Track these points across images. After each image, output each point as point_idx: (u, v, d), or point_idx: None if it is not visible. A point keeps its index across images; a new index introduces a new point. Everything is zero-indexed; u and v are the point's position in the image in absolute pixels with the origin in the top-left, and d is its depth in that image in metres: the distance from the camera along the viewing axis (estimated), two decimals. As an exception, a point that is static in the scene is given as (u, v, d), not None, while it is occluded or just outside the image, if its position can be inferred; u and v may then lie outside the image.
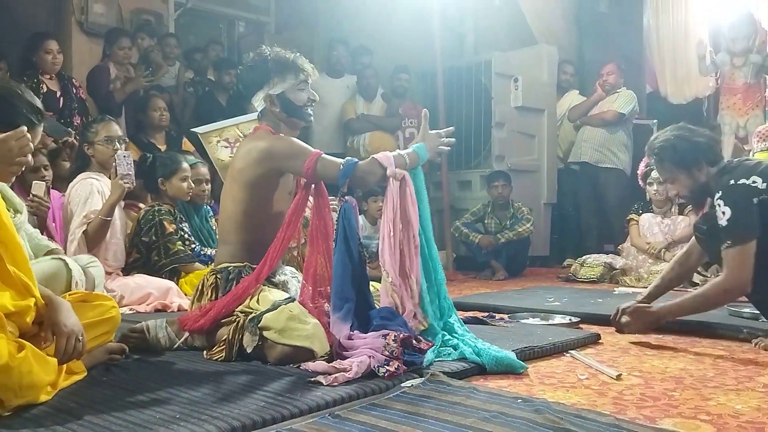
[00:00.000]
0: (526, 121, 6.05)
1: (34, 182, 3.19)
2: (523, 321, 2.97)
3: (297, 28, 6.72)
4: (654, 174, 4.37)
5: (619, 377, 1.98)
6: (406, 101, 6.01)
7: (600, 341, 2.56)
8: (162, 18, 6.26)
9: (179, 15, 6.46)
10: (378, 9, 6.00)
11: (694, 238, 2.67)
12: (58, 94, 4.61)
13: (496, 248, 5.23)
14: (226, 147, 2.81)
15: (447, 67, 5.88)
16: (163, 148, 4.67)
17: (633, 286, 4.42)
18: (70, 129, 4.27)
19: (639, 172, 4.67)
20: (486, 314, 3.07)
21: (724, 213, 2.33)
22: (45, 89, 4.51)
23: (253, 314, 2.09)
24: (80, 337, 1.70)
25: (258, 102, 2.45)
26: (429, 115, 2.52)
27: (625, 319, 2.60)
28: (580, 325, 2.88)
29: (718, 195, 2.37)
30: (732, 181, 2.36)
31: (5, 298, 1.60)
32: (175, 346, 2.25)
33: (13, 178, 1.74)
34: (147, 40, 5.48)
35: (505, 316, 3.05)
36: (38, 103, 1.85)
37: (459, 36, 6.83)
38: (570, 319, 2.95)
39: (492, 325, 2.82)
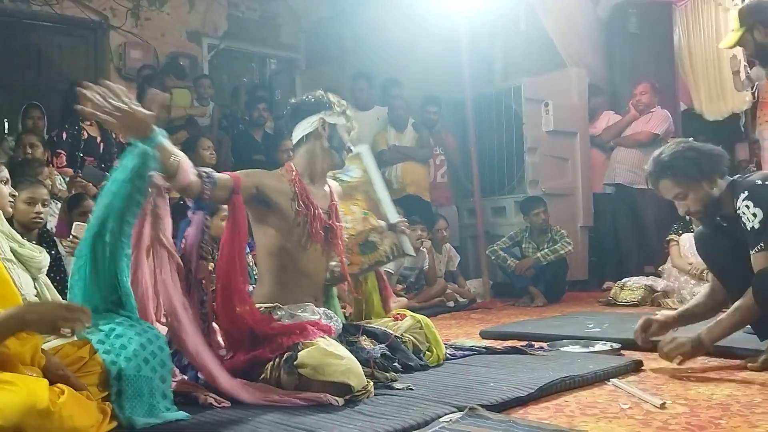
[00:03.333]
0: (559, 144, 6.01)
1: (75, 223, 3.28)
2: (563, 349, 2.92)
3: (325, 63, 6.84)
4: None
5: (663, 406, 1.93)
6: (437, 131, 6.04)
7: (642, 368, 2.50)
8: (196, 60, 6.44)
9: (213, 56, 6.63)
10: (405, 40, 6.07)
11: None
12: (99, 139, 4.75)
13: (534, 272, 5.18)
14: None
15: (476, 95, 5.90)
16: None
17: (675, 308, 4.30)
18: (107, 174, 4.38)
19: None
20: (525, 343, 3.03)
21: (755, 215, 2.24)
22: (86, 135, 4.67)
23: (286, 353, 2.10)
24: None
25: None
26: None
27: (669, 345, 2.47)
28: (622, 351, 2.82)
29: (744, 196, 2.28)
30: (759, 181, 2.29)
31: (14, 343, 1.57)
32: None
33: None
34: (173, 80, 5.61)
35: (545, 345, 3.00)
36: None
37: (487, 63, 6.86)
38: (611, 346, 2.89)
39: (531, 354, 2.78)
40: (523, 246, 5.39)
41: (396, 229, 2.70)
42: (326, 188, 2.59)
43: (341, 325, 2.47)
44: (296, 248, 2.42)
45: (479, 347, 2.90)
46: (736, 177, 2.44)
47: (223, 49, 6.72)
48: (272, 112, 5.98)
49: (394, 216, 2.75)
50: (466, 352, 2.81)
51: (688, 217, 4.60)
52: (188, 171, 2.13)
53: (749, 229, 2.26)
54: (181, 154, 2.13)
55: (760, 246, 2.24)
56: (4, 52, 5.61)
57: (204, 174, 2.19)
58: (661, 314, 2.58)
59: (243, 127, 5.81)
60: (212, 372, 2.06)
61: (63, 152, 4.58)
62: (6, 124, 5.50)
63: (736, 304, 2.36)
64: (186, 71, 5.99)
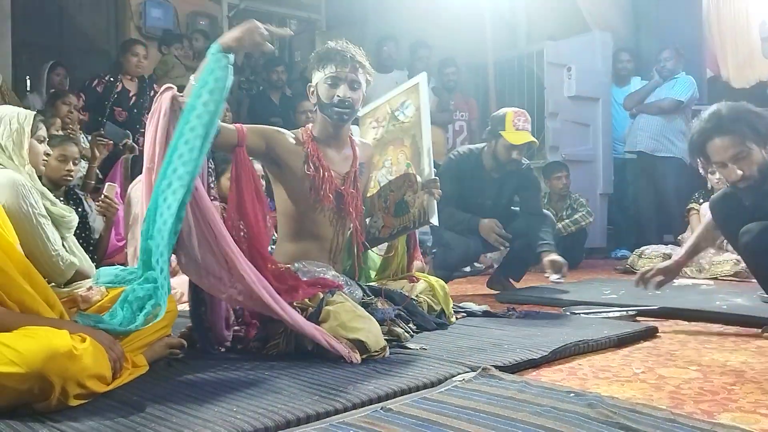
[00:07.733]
0: (580, 110, 5.94)
1: (107, 184, 3.35)
2: (577, 313, 2.93)
3: (347, 24, 6.77)
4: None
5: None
6: (456, 94, 5.97)
7: (657, 334, 2.51)
8: (216, 20, 6.41)
9: (233, 16, 6.59)
10: (428, 3, 5.99)
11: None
12: (131, 92, 4.85)
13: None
14: (375, 128, 2.73)
15: (498, 59, 5.84)
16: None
17: (694, 277, 4.30)
18: (127, 131, 4.41)
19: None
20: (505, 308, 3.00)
21: None
22: (119, 88, 4.77)
23: (309, 310, 2.12)
24: (114, 345, 1.72)
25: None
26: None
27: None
28: (637, 318, 2.83)
29: None
30: None
31: None
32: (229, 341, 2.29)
33: None
34: (202, 41, 5.61)
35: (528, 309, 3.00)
36: None
37: (510, 26, 6.76)
38: (627, 312, 2.89)
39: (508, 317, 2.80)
40: (542, 212, 5.36)
41: (427, 189, 2.47)
42: (348, 151, 2.52)
43: (359, 291, 2.47)
44: (308, 211, 2.41)
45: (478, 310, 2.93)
46: None
47: (243, 9, 6.67)
48: (291, 74, 5.96)
49: (429, 170, 2.49)
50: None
51: (710, 186, 4.59)
52: None
53: None
54: None
55: None
56: (25, 10, 5.62)
57: None
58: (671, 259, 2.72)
59: (263, 88, 5.80)
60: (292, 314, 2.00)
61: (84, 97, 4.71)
62: (28, 82, 5.53)
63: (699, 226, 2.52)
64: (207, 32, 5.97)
